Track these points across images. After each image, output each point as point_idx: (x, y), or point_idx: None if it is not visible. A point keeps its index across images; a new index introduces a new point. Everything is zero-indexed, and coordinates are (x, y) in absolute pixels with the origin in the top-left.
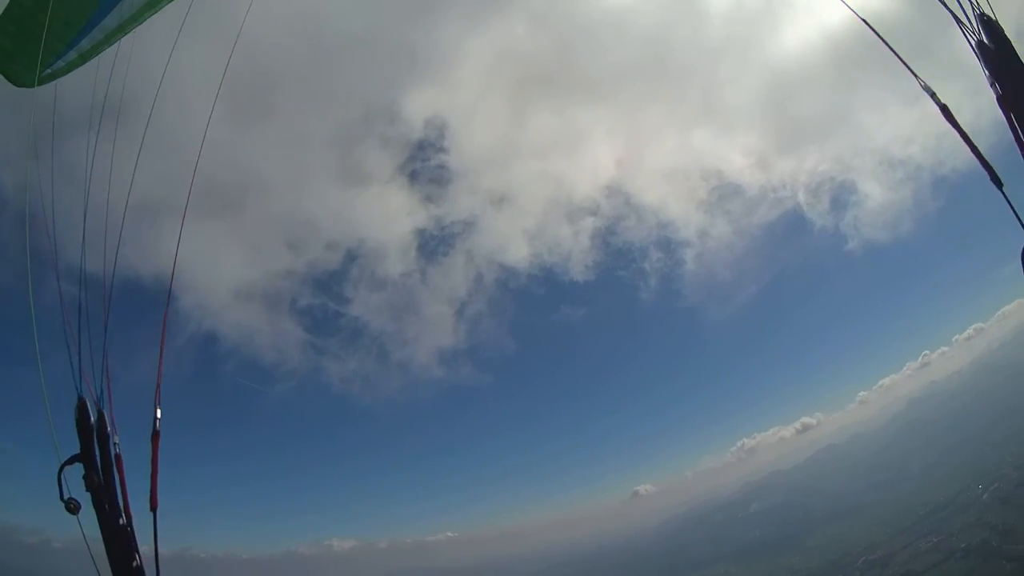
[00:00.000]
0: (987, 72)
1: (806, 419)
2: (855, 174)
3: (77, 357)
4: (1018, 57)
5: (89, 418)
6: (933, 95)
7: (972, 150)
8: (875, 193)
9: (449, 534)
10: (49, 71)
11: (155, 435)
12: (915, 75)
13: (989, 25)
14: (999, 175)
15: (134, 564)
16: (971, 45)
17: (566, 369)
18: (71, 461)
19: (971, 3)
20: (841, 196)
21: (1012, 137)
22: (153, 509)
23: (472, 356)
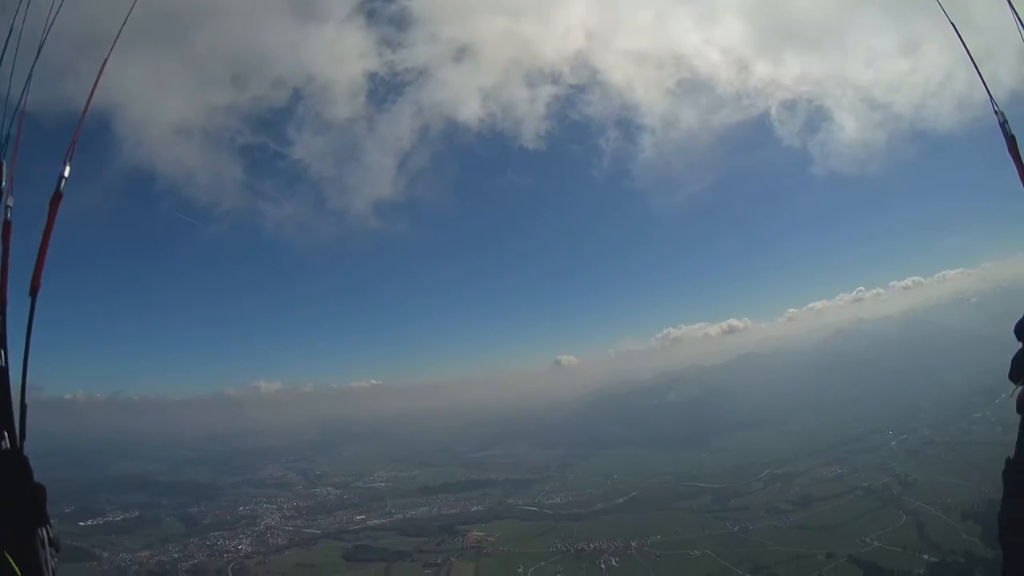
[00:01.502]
0: None
1: (734, 321)
2: (832, 102)
3: None
4: None
5: None
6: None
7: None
8: (849, 127)
9: (373, 382)
10: None
11: (56, 197)
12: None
13: None
14: None
15: None
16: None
17: (503, 234)
18: None
19: None
20: (814, 120)
21: None
22: (33, 293)
23: (409, 211)
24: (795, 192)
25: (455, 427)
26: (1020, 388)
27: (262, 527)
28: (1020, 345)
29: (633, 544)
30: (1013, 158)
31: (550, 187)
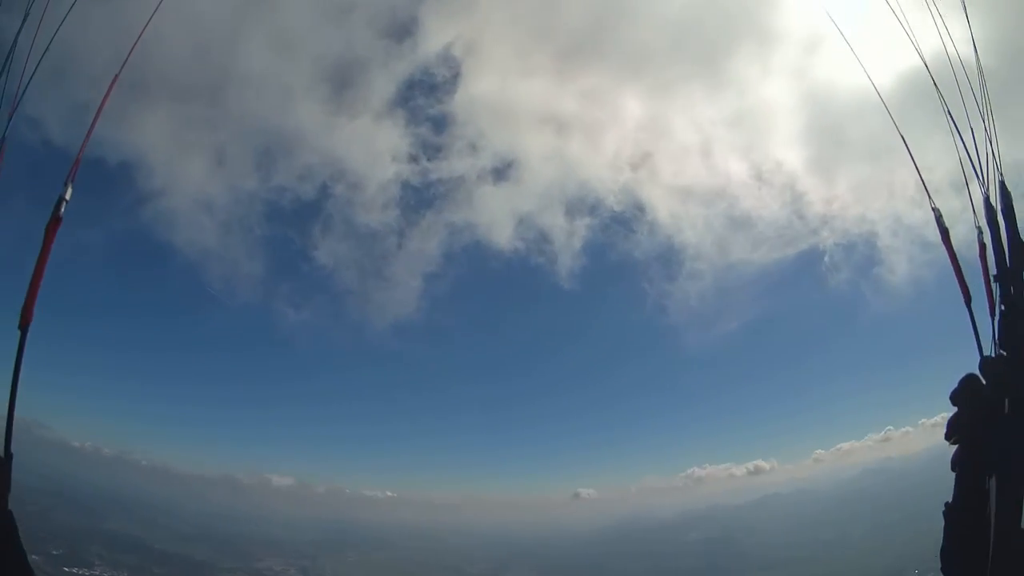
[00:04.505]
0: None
1: (760, 462)
2: (885, 243)
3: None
4: None
5: None
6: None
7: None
8: (900, 269)
9: (389, 493)
10: None
11: (54, 222)
12: (927, 190)
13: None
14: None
15: None
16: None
17: (531, 359)
18: None
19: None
20: (865, 262)
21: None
22: (23, 327)
23: (434, 327)
24: (835, 330)
25: (466, 546)
26: (956, 448)
27: None
28: None
29: None
30: (947, 249)
31: (582, 318)
